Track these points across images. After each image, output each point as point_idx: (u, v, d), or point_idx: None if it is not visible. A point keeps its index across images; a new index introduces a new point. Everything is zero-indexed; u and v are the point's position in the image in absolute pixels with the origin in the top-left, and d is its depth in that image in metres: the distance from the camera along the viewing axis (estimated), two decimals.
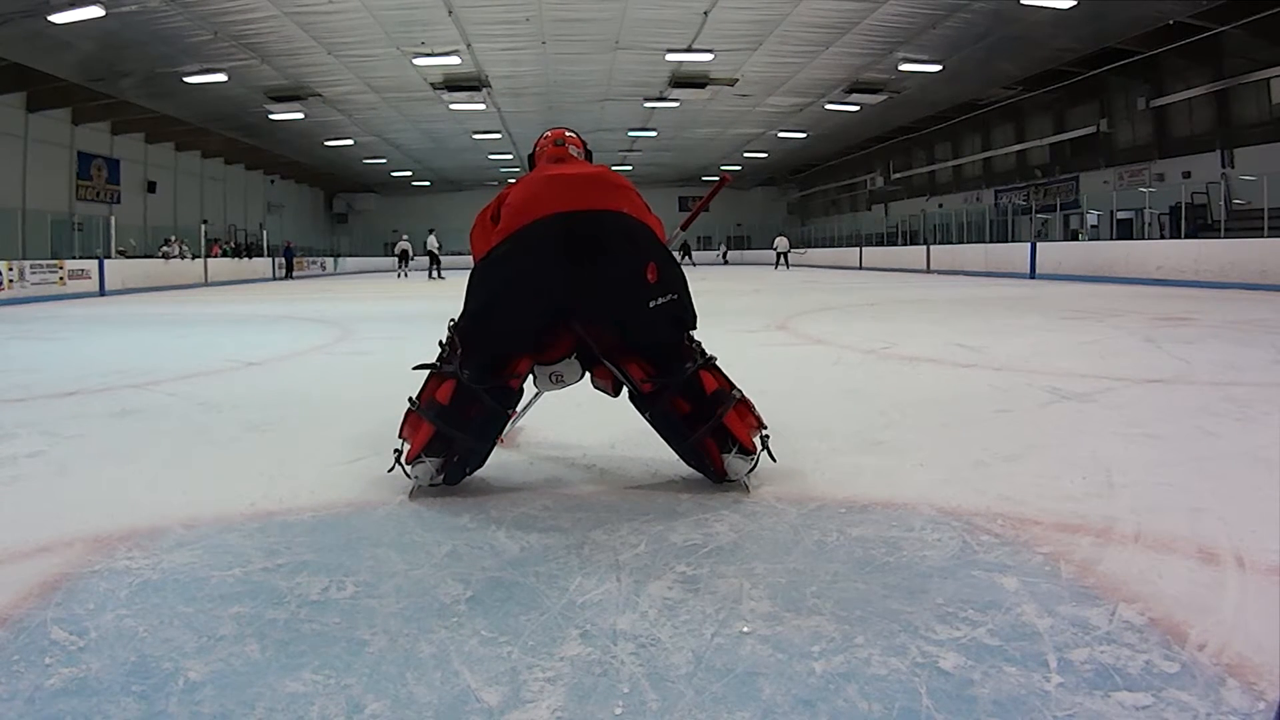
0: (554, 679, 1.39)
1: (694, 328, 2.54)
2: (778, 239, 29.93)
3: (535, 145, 2.80)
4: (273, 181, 35.38)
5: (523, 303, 2.38)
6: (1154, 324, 7.26)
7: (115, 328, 9.16)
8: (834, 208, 39.71)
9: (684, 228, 3.12)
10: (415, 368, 2.52)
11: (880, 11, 15.94)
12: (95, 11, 14.07)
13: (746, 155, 34.27)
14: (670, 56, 19.02)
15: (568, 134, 2.78)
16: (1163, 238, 17.05)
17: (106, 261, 18.35)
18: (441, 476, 2.41)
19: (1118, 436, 3.07)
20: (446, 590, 1.77)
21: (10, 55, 16.64)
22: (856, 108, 24.17)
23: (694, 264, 30.26)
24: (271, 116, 23.25)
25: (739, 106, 24.61)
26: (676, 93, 22.37)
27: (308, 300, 14.58)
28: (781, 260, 28.99)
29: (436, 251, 24.44)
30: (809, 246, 35.48)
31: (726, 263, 36.61)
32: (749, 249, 41.80)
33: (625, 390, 2.58)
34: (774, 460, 2.51)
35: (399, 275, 26.00)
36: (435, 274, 23.20)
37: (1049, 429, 3.26)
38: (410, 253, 27.15)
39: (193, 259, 23.43)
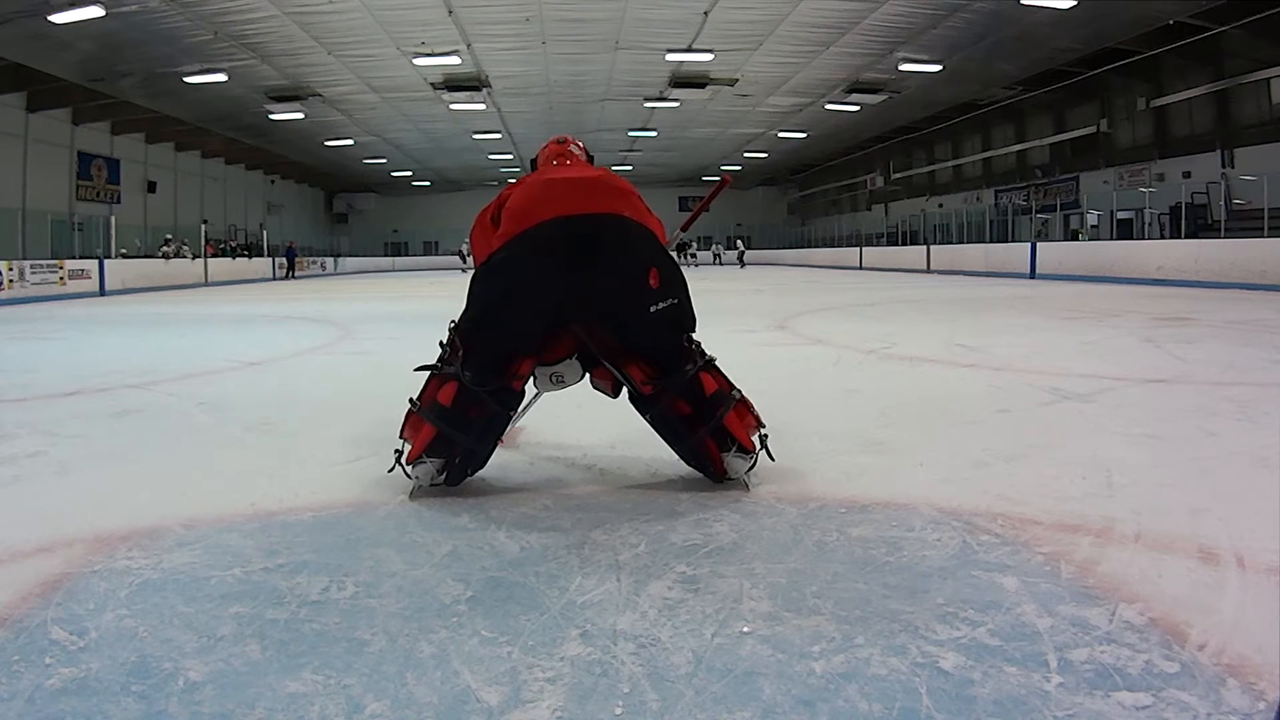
0: (554, 679, 1.39)
1: (693, 330, 2.54)
2: (715, 245, 37.75)
3: (538, 152, 2.81)
4: (273, 181, 35.38)
5: (524, 307, 2.37)
6: (1154, 324, 7.26)
7: (115, 328, 9.16)
8: (834, 208, 39.71)
9: (684, 229, 3.13)
10: (417, 369, 2.52)
11: (880, 11, 15.94)
12: (95, 11, 14.08)
13: (746, 155, 34.25)
14: (670, 56, 19.02)
15: (570, 139, 2.81)
16: (1163, 238, 17.06)
17: (106, 261, 18.37)
18: (443, 477, 2.41)
19: (1118, 436, 3.07)
20: (446, 590, 1.77)
21: (10, 55, 16.65)
22: (856, 108, 24.17)
23: (697, 264, 33.90)
24: (271, 116, 23.25)
25: (739, 106, 24.60)
26: (676, 93, 22.38)
27: (308, 300, 14.59)
28: (717, 259, 35.55)
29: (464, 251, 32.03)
30: (810, 247, 37.19)
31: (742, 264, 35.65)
32: (750, 249, 41.73)
33: (625, 391, 2.59)
34: (772, 459, 2.51)
35: (463, 270, 31.05)
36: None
37: (1049, 429, 3.26)
38: (465, 252, 32.70)
39: (193, 259, 23.45)
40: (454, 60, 18.76)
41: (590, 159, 2.81)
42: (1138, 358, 5.30)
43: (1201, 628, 1.52)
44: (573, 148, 2.73)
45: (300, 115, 23.21)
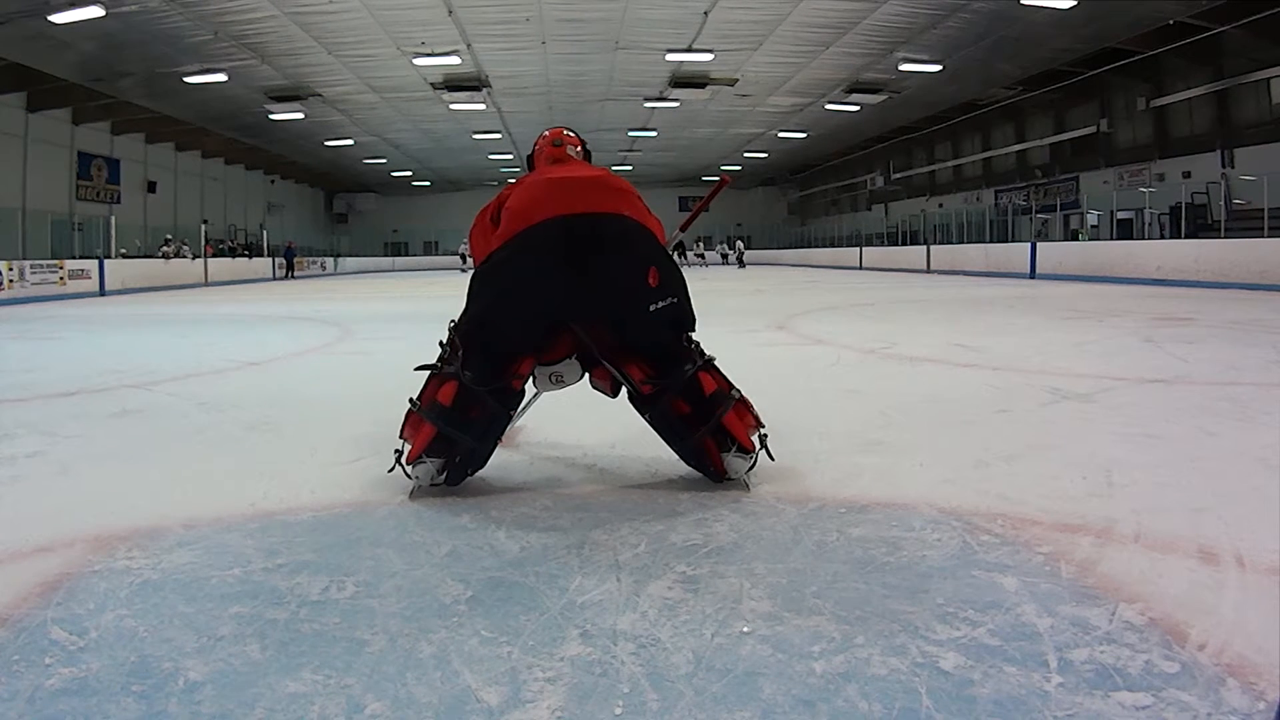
0: (554, 679, 1.39)
1: (693, 329, 2.54)
2: (720, 245, 38.88)
3: (534, 145, 2.80)
4: (273, 181, 35.37)
5: (524, 307, 2.37)
6: (1154, 324, 7.25)
7: (115, 328, 9.15)
8: (834, 208, 39.72)
9: (683, 229, 3.12)
10: (417, 369, 2.52)
11: (880, 11, 15.94)
12: (95, 11, 14.08)
13: (746, 155, 34.24)
14: (670, 56, 19.02)
15: (566, 133, 2.79)
16: (1163, 238, 17.06)
17: (106, 261, 18.36)
18: (443, 477, 2.41)
19: (1118, 436, 3.07)
20: (446, 590, 1.77)
21: (10, 55, 16.64)
22: (856, 108, 24.17)
23: (705, 264, 34.16)
24: (271, 116, 23.25)
25: (739, 106, 24.60)
26: (676, 93, 22.37)
27: (308, 300, 14.59)
28: (725, 258, 36.25)
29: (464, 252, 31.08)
30: (810, 247, 37.20)
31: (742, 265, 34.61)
32: (749, 249, 41.76)
33: (624, 391, 2.59)
34: (771, 459, 2.51)
35: (463, 270, 31.40)
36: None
37: (1049, 429, 3.26)
38: (465, 252, 33.31)
39: (193, 259, 23.45)
40: (454, 60, 18.76)
41: (588, 154, 2.81)
42: (1138, 358, 5.30)
43: (1201, 628, 1.52)
44: (570, 149, 2.72)
45: (300, 115, 23.20)
